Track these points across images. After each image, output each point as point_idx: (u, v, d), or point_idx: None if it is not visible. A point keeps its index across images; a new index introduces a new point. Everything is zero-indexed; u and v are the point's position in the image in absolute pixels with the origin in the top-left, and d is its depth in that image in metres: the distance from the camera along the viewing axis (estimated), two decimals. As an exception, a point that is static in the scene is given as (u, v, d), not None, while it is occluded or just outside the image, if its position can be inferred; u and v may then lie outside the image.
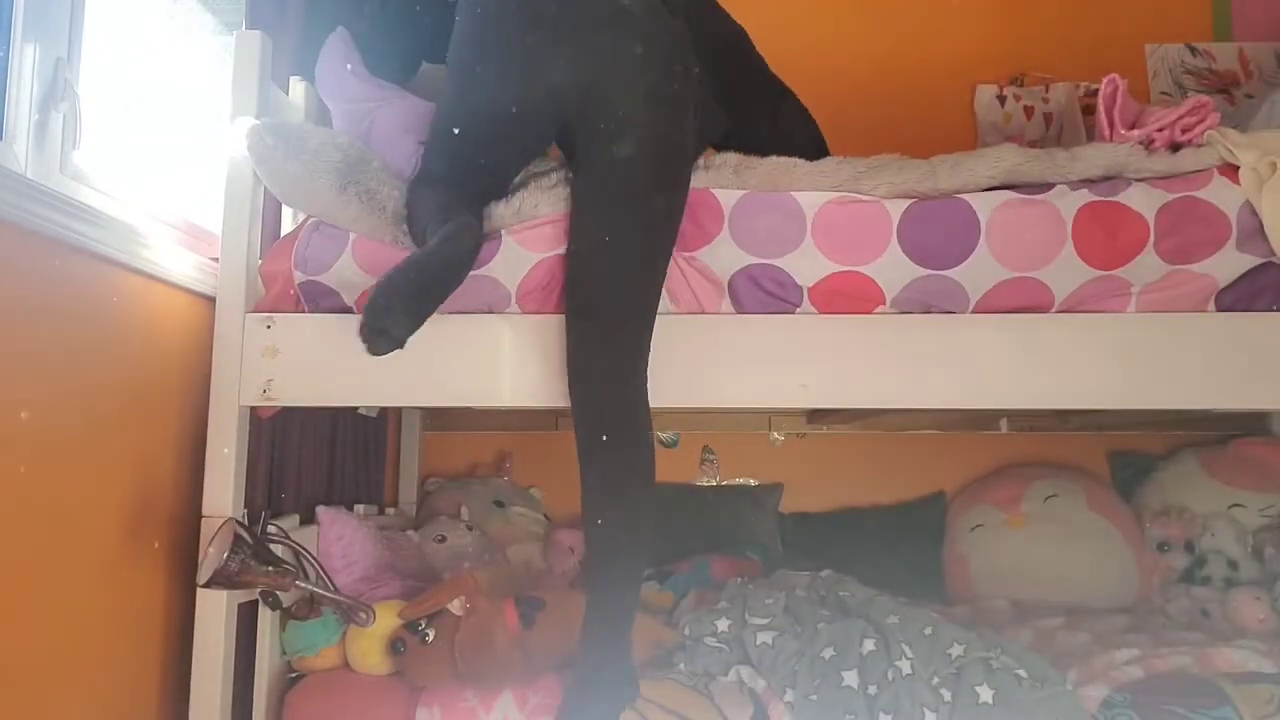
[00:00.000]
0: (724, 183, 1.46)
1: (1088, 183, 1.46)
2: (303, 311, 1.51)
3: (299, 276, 1.49)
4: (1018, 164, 1.45)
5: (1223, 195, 1.41)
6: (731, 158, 1.47)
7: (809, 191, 1.45)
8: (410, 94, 1.60)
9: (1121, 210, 1.42)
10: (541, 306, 1.49)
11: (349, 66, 1.59)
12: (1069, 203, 1.42)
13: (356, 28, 1.63)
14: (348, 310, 1.51)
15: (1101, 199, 1.43)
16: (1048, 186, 1.45)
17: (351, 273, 1.48)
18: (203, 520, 1.44)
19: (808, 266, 1.44)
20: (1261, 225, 1.39)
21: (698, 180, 1.46)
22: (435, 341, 1.49)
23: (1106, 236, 1.41)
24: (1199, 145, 1.46)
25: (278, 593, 1.47)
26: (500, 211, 1.47)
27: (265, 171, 1.50)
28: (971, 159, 1.47)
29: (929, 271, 1.42)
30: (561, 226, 1.45)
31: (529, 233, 1.46)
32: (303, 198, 1.52)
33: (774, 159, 1.47)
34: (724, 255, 1.46)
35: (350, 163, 1.46)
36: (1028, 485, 2.37)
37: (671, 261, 1.45)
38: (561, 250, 1.45)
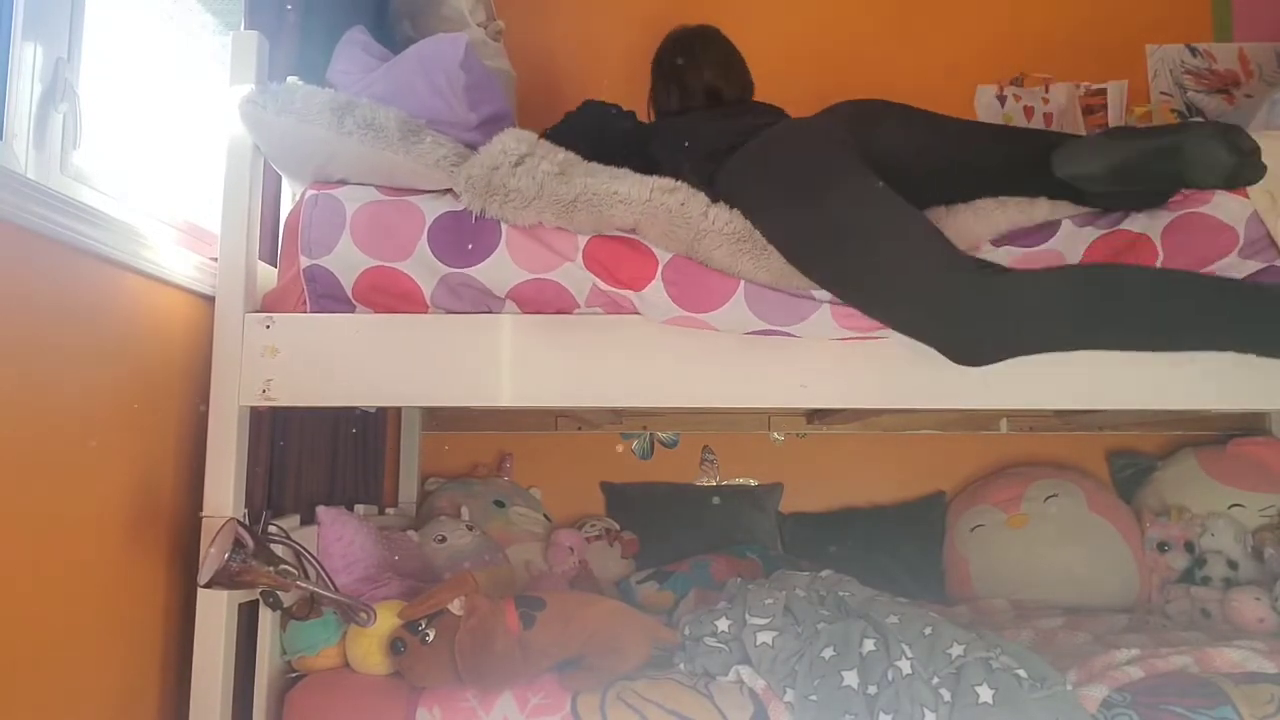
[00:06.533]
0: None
1: (1091, 216, 1.46)
2: (303, 299, 1.52)
3: (304, 261, 1.49)
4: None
5: (1230, 208, 1.40)
6: None
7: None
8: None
9: (1126, 237, 1.41)
10: (540, 309, 1.49)
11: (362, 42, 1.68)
12: (1075, 244, 1.42)
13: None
14: (345, 303, 1.52)
15: (1106, 231, 1.43)
16: (1053, 228, 1.45)
17: (351, 254, 1.48)
18: (203, 520, 1.44)
19: (821, 332, 1.44)
20: (1268, 234, 1.39)
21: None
22: (435, 341, 1.50)
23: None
24: None
25: (278, 593, 1.47)
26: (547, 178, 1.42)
27: (261, 135, 1.51)
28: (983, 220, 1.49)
29: None
30: (563, 241, 1.45)
31: (526, 242, 1.46)
32: (302, 150, 1.52)
33: None
34: (735, 318, 1.44)
35: (340, 101, 1.48)
36: (1028, 485, 2.38)
37: (676, 316, 1.44)
38: (551, 273, 1.45)
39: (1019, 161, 1.48)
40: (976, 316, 1.32)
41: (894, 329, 1.40)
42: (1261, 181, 1.38)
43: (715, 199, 1.45)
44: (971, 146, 1.54)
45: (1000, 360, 1.35)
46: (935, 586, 2.38)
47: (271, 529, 1.49)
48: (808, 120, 1.60)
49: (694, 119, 1.80)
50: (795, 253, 1.41)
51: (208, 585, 1.32)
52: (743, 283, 1.41)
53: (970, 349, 1.35)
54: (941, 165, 1.52)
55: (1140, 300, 1.30)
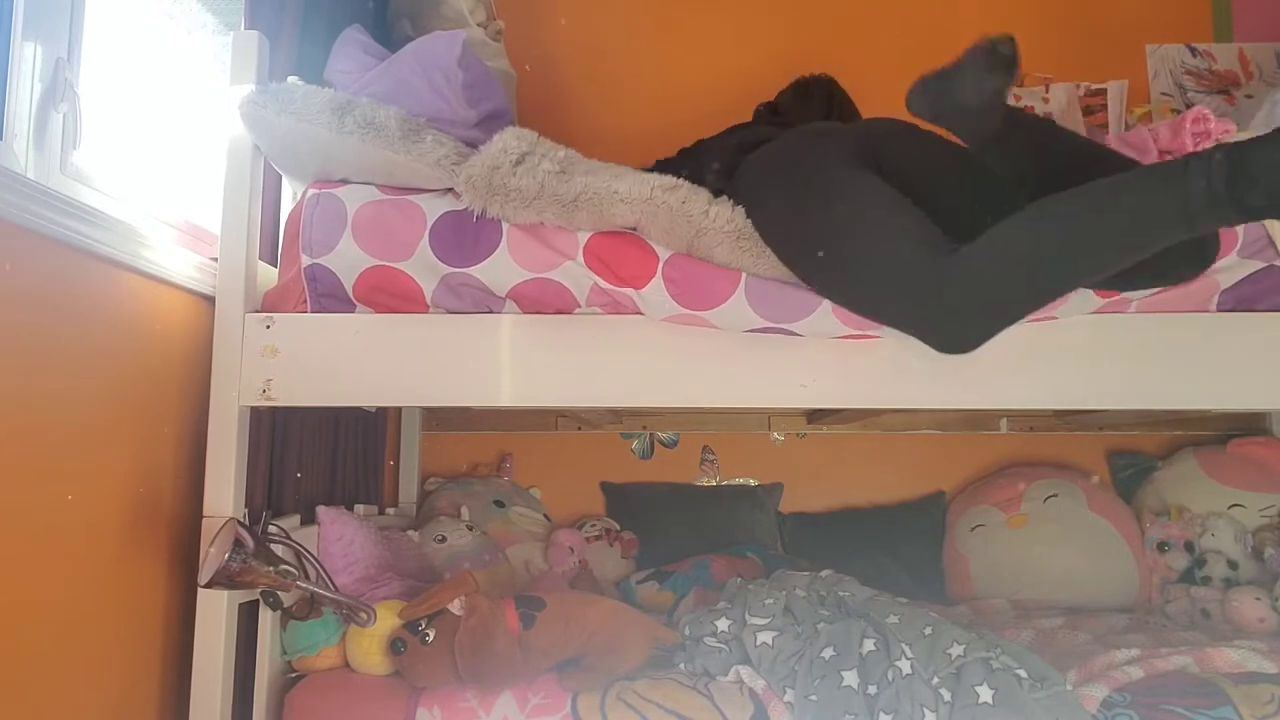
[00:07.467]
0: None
1: None
2: (303, 299, 1.52)
3: (305, 260, 1.49)
4: None
5: None
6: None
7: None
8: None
9: None
10: (540, 309, 1.49)
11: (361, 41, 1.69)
12: None
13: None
14: (346, 302, 1.52)
15: None
16: None
17: (353, 253, 1.48)
18: (204, 520, 1.44)
19: (823, 329, 1.43)
20: (1267, 234, 1.39)
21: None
22: (435, 341, 1.50)
23: None
24: None
25: (278, 593, 1.47)
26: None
27: (261, 135, 1.51)
28: None
29: None
30: (564, 240, 1.44)
31: (527, 241, 1.46)
32: (302, 150, 1.51)
33: None
34: (736, 315, 1.43)
35: (340, 101, 1.48)
36: (1028, 485, 2.38)
37: (677, 314, 1.44)
38: (552, 272, 1.44)
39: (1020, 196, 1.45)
40: (952, 307, 1.25)
41: (882, 323, 1.39)
42: None
43: (732, 194, 1.45)
44: (975, 177, 1.49)
45: (986, 339, 1.28)
46: (935, 586, 2.38)
47: (271, 529, 1.49)
48: (819, 125, 1.60)
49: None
50: (784, 251, 1.40)
51: (208, 585, 1.32)
52: (744, 279, 1.41)
53: (956, 340, 1.29)
54: (946, 191, 1.49)
55: (1082, 214, 1.20)
